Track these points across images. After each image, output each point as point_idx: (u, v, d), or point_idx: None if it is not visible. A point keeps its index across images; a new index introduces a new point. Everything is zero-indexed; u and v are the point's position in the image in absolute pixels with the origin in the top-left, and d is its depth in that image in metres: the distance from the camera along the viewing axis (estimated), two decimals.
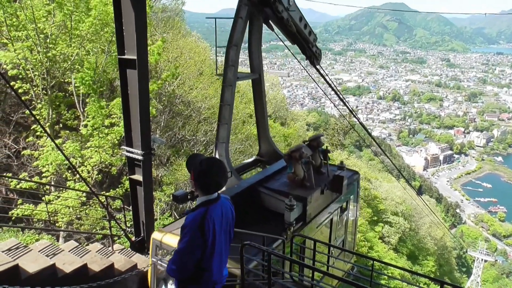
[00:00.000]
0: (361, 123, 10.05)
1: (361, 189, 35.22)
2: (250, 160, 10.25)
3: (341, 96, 8.73)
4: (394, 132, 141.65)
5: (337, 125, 43.74)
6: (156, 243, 6.24)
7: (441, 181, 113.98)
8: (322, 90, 10.17)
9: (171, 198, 4.37)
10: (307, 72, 9.46)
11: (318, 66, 8.62)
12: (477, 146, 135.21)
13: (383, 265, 22.18)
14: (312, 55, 8.52)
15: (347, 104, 9.38)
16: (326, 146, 8.33)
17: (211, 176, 3.26)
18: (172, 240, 5.90)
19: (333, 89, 8.53)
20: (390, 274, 25.62)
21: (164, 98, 19.41)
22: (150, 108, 7.94)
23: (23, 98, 9.02)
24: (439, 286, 4.85)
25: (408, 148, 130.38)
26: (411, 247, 38.03)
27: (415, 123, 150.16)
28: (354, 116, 10.18)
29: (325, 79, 8.42)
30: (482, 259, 58.46)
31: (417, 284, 27.60)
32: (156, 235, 6.31)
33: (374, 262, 6.96)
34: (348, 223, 9.37)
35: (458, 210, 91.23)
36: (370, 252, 28.36)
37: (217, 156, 7.65)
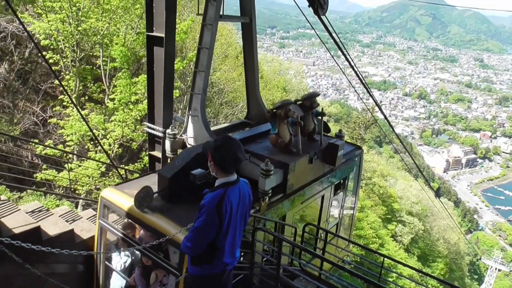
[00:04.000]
0: (386, 119, 9.57)
1: (377, 186, 34.95)
2: (235, 122, 8.66)
3: (368, 89, 8.13)
4: (417, 131, 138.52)
5: (359, 119, 42.99)
6: (105, 203, 5.56)
7: (461, 185, 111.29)
8: (349, 81, 9.68)
9: (189, 176, 4.40)
10: (335, 61, 8.82)
11: (323, 17, 7.14)
12: (503, 152, 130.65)
13: (392, 263, 22.04)
14: (316, 2, 7.00)
15: (373, 97, 8.30)
16: (322, 108, 6.94)
17: (227, 150, 3.26)
18: (124, 201, 5.27)
19: (360, 81, 7.88)
20: (399, 272, 25.48)
21: (188, 79, 19.54)
22: (174, 89, 7.93)
23: (53, 69, 9.26)
24: None
25: (430, 148, 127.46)
26: (423, 248, 37.61)
27: (439, 123, 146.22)
28: (380, 111, 9.52)
29: (353, 69, 7.56)
30: (496, 268, 57.24)
31: (426, 285, 27.36)
32: (106, 194, 5.58)
33: (381, 259, 6.92)
34: (345, 205, 8.33)
35: (475, 216, 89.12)
36: (380, 249, 28.22)
37: (191, 109, 6.58)
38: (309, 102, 6.80)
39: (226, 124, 8.53)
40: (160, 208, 5.08)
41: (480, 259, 62.94)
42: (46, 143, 13.22)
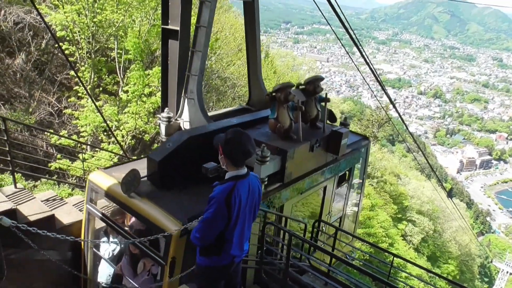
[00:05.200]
0: (400, 117, 9.39)
1: (388, 184, 34.61)
2: (235, 108, 8.07)
3: (383, 86, 7.91)
4: (430, 130, 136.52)
5: (372, 117, 42.60)
6: (92, 187, 5.33)
7: (474, 186, 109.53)
8: (364, 78, 9.47)
9: (201, 169, 4.35)
10: (350, 57, 8.44)
11: (339, 12, 6.75)
12: None
13: (402, 262, 21.87)
14: None
15: (388, 95, 8.04)
16: (326, 93, 6.45)
17: (237, 143, 3.29)
18: (111, 185, 5.06)
19: (376, 78, 7.65)
20: (408, 272, 25.29)
21: None
22: None
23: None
24: None
25: (444, 148, 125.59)
26: (433, 249, 37.22)
27: (454, 123, 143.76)
28: (395, 108, 9.27)
29: (368, 66, 7.27)
30: (507, 272, 56.37)
31: (435, 286, 27.08)
32: (93, 177, 5.36)
33: (391, 258, 6.86)
34: (350, 198, 7.98)
35: (488, 218, 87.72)
36: (390, 249, 28.01)
37: (188, 92, 6.19)
38: (312, 86, 6.36)
39: (225, 109, 8.02)
40: (148, 193, 4.85)
41: (491, 261, 62.04)
42: (61, 133, 13.44)
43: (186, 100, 6.23)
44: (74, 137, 13.14)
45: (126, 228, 5.24)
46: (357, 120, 51.17)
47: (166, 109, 6.22)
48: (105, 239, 5.61)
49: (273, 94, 5.74)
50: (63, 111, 14.19)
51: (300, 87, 6.49)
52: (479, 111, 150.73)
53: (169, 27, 6.31)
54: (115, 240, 5.50)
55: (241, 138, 3.32)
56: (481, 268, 57.76)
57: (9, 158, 6.48)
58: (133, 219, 5.32)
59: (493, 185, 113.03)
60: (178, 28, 6.15)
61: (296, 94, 5.95)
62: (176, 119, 6.33)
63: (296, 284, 5.51)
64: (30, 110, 13.71)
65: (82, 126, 13.02)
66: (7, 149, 6.37)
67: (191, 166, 4.99)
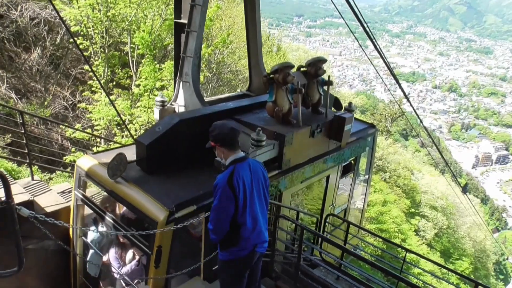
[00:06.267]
0: (415, 111, 9.22)
1: (401, 179, 34.22)
2: (234, 94, 7.73)
3: (397, 80, 7.66)
4: (445, 125, 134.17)
5: (385, 111, 42.02)
6: (80, 172, 5.09)
7: (490, 182, 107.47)
8: (377, 72, 9.33)
9: (214, 162, 4.33)
10: (363, 51, 8.04)
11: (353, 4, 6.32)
12: None
13: (414, 258, 21.68)
14: None
15: (402, 88, 7.76)
16: (329, 76, 6.04)
17: (220, 126, 3.47)
18: (98, 170, 4.84)
19: (390, 71, 7.36)
20: (421, 267, 25.10)
21: (213, 65, 19.63)
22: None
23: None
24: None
25: (459, 143, 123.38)
26: (447, 245, 36.76)
27: (470, 118, 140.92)
28: (409, 102, 9.08)
29: (383, 59, 6.95)
30: None
31: (450, 281, 26.80)
32: (81, 162, 5.11)
33: (401, 254, 6.81)
34: (355, 190, 7.64)
35: (504, 215, 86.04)
36: (402, 244, 27.77)
37: (183, 74, 5.90)
38: (313, 68, 5.90)
39: (224, 95, 7.78)
40: (135, 178, 4.65)
41: (507, 258, 60.94)
42: (76, 127, 13.65)
43: (181, 83, 6.02)
44: (88, 130, 13.34)
45: (112, 216, 4.94)
46: (370, 115, 50.54)
47: (160, 93, 6.05)
48: (94, 227, 5.33)
49: (271, 75, 5.36)
50: (78, 105, 14.41)
51: (301, 69, 6.09)
52: (496, 105, 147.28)
53: (182, 21, 6.31)
54: (103, 228, 5.19)
55: (222, 123, 3.55)
56: (496, 265, 56.82)
57: (26, 151, 6.63)
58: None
59: (509, 181, 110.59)
60: None
61: (297, 76, 5.62)
62: (171, 104, 6.14)
63: (308, 277, 5.52)
64: (46, 104, 13.96)
65: (96, 120, 13.21)
66: (25, 142, 6.52)
67: (181, 150, 4.86)
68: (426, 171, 45.41)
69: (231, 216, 3.40)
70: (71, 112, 14.80)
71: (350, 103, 6.55)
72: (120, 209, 5.36)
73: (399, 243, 26.90)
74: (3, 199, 2.59)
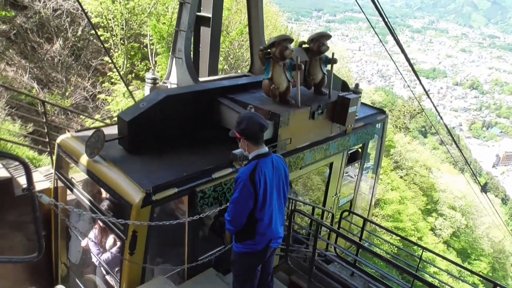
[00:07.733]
0: (435, 108, 8.99)
1: (418, 176, 33.67)
2: (234, 74, 7.38)
3: (417, 76, 7.41)
4: (466, 122, 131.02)
5: (404, 107, 41.27)
6: (60, 152, 4.78)
7: (511, 181, 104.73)
8: (397, 67, 9.10)
9: (230, 156, 4.15)
10: (383, 46, 7.69)
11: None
12: None
13: (431, 256, 21.35)
14: None
15: (422, 85, 7.41)
16: (333, 53, 5.39)
17: (249, 119, 3.42)
18: (78, 149, 4.51)
19: (411, 67, 7.03)
20: (438, 266, 24.77)
21: (231, 57, 19.65)
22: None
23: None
24: None
25: (479, 141, 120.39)
26: (464, 244, 36.11)
27: (491, 116, 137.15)
28: (429, 99, 8.78)
29: (403, 54, 6.56)
30: None
31: (467, 281, 26.34)
32: (62, 141, 4.78)
33: (417, 252, 6.70)
34: (362, 180, 7.16)
35: None
36: (419, 243, 27.40)
37: (176, 50, 5.57)
38: (316, 45, 5.24)
39: (223, 76, 7.35)
40: (115, 157, 4.30)
41: None
42: (95, 118, 13.88)
43: (174, 60, 5.69)
44: (108, 121, 13.55)
45: (90, 198, 4.60)
46: (389, 111, 49.78)
47: (151, 70, 5.81)
48: (70, 210, 4.67)
49: (268, 50, 4.83)
50: (97, 96, 14.65)
51: (303, 46, 5.50)
52: None
53: (201, 14, 6.32)
54: (80, 211, 4.62)
55: (251, 115, 3.52)
56: None
57: (47, 140, 6.78)
58: None
59: None
60: (210, 15, 6.17)
61: (298, 52, 5.08)
62: (164, 82, 5.88)
63: (322, 273, 5.49)
64: (67, 94, 14.23)
65: (114, 111, 13.41)
66: (46, 131, 6.66)
67: (168, 129, 4.56)
68: (445, 169, 44.57)
69: (249, 210, 3.41)
70: (91, 103, 15.06)
71: (356, 84, 6.08)
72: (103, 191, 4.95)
73: (415, 241, 26.56)
74: (25, 186, 2.65)
